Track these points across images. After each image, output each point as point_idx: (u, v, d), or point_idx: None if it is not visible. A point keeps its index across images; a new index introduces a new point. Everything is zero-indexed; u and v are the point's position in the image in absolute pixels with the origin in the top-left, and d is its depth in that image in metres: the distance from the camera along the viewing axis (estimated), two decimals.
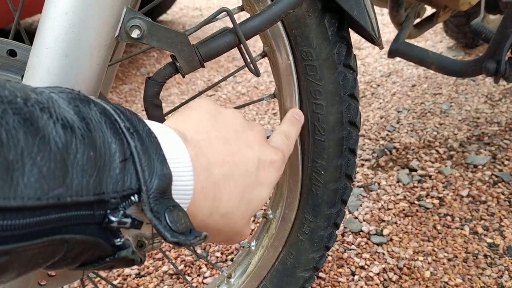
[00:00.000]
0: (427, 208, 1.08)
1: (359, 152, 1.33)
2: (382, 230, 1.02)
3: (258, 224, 0.88)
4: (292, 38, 0.50)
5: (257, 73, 0.45)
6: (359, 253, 0.97)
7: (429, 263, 0.92)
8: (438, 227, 1.02)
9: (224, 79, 0.56)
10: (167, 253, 1.01)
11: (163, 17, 2.89)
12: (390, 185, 1.17)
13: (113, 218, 0.26)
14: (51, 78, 0.36)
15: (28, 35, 0.50)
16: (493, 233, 0.99)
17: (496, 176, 1.16)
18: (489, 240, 0.97)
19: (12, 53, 0.44)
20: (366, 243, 0.99)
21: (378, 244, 0.99)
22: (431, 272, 0.90)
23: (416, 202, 1.10)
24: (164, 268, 0.98)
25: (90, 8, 0.36)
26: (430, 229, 1.02)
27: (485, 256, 0.93)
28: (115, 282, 0.95)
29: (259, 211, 0.72)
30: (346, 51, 0.52)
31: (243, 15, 2.39)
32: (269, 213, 0.66)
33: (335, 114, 0.55)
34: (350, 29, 0.53)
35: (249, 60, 0.44)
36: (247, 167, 0.38)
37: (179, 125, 0.35)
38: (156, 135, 0.30)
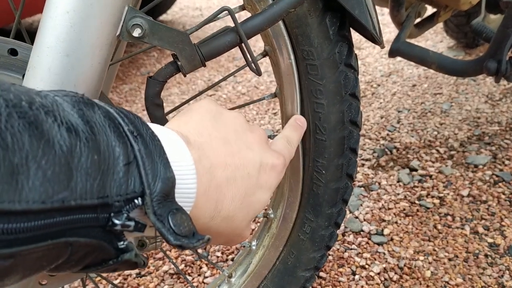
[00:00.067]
0: (428, 208, 1.08)
1: (359, 152, 1.33)
2: (382, 230, 1.02)
3: (259, 224, 0.88)
4: (293, 37, 0.50)
5: (258, 72, 0.45)
6: (359, 253, 0.97)
7: (429, 263, 0.92)
8: (439, 226, 1.02)
9: (224, 78, 0.56)
10: (167, 252, 1.01)
11: (163, 17, 2.89)
12: (390, 185, 1.17)
13: (116, 221, 0.26)
14: (52, 78, 0.36)
15: (28, 35, 0.50)
16: (493, 232, 0.99)
17: (497, 176, 1.16)
18: (490, 240, 0.97)
19: (13, 52, 0.44)
20: (367, 242, 0.99)
21: (378, 244, 0.99)
22: (431, 272, 0.90)
23: (417, 201, 1.10)
24: (165, 267, 0.98)
25: (91, 7, 0.36)
26: (431, 228, 1.02)
27: (486, 255, 0.93)
28: (115, 282, 0.95)
29: None
30: (347, 50, 0.52)
31: (244, 15, 2.39)
32: (270, 213, 0.66)
33: (336, 114, 0.55)
34: (351, 29, 0.53)
35: (250, 59, 0.44)
36: (249, 170, 0.38)
37: (182, 127, 0.35)
38: (159, 138, 0.30)
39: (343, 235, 1.02)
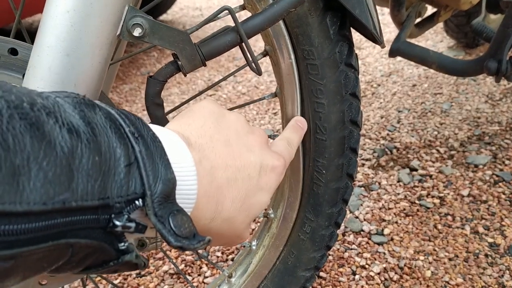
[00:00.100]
0: (428, 208, 1.08)
1: (359, 151, 1.33)
2: (382, 230, 1.02)
3: (259, 224, 0.88)
4: (293, 36, 0.50)
5: (258, 72, 0.45)
6: (360, 253, 0.97)
7: (430, 263, 0.92)
8: (439, 226, 1.02)
9: (224, 78, 0.56)
10: (167, 252, 1.01)
11: (163, 16, 2.89)
12: (390, 185, 1.17)
13: (117, 223, 0.26)
14: (53, 77, 0.36)
15: (28, 35, 0.50)
16: (494, 232, 0.99)
17: (497, 176, 1.16)
18: (490, 240, 0.97)
19: (14, 51, 0.44)
20: (367, 242, 0.99)
21: (379, 244, 0.99)
22: (432, 272, 0.90)
23: (417, 201, 1.10)
24: (165, 267, 0.98)
25: (91, 6, 0.35)
26: (431, 228, 1.01)
27: (486, 255, 0.93)
28: (115, 282, 0.95)
29: None
30: (347, 50, 0.52)
31: (244, 14, 2.39)
32: (270, 213, 0.66)
33: (336, 113, 0.55)
34: (351, 28, 0.53)
35: (250, 59, 0.44)
36: (249, 171, 0.38)
37: (183, 128, 0.36)
38: (160, 140, 0.30)
39: (343, 235, 1.02)
